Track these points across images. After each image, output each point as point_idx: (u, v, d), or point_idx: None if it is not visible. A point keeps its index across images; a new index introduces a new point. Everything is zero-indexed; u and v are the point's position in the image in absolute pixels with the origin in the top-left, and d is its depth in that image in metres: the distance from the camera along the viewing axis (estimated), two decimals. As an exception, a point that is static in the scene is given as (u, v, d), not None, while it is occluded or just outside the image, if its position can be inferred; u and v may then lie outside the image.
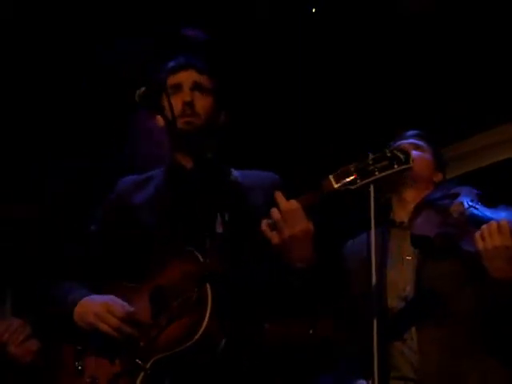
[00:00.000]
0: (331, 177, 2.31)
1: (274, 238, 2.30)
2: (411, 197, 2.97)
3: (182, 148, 2.63)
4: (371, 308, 2.67)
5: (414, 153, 2.98)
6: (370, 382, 2.66)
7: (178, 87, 2.62)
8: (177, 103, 2.56)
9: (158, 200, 2.62)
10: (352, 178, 2.29)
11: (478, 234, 2.52)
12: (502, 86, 4.48)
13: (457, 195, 2.74)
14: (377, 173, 2.29)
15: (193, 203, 2.53)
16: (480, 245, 2.52)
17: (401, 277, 2.83)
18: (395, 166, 2.29)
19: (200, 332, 2.24)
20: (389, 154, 2.30)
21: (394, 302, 2.80)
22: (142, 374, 2.31)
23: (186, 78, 2.63)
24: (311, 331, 4.06)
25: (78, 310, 2.48)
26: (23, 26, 4.34)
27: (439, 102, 4.68)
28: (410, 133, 3.14)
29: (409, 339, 2.73)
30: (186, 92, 2.60)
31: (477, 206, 2.68)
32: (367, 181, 2.29)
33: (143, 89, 2.49)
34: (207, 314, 2.26)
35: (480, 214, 2.65)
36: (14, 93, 4.58)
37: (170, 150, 2.69)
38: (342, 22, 4.47)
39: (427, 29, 4.34)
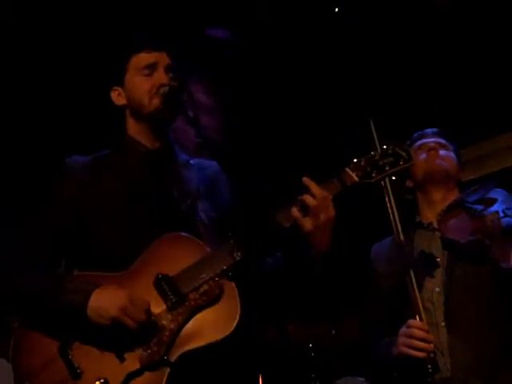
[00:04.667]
0: (348, 169, 2.33)
1: (307, 224, 2.27)
2: (439, 197, 2.95)
3: (150, 129, 2.54)
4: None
5: (442, 152, 2.97)
6: None
7: (152, 67, 2.52)
8: (147, 83, 2.49)
9: (124, 182, 2.50)
10: (367, 171, 2.33)
11: None
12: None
13: (493, 201, 2.70)
14: (387, 168, 2.34)
15: (165, 186, 2.47)
16: None
17: (430, 279, 2.79)
18: (400, 163, 2.35)
19: (236, 321, 2.20)
20: (390, 151, 2.36)
21: (422, 303, 2.73)
22: (167, 369, 2.20)
23: (162, 59, 2.53)
24: (333, 332, 4.04)
25: (93, 303, 2.26)
26: (23, 26, 4.28)
27: (464, 102, 4.67)
28: (431, 130, 3.10)
29: (438, 343, 2.69)
30: (162, 74, 2.51)
31: None
32: (383, 175, 2.34)
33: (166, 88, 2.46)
34: (239, 304, 2.22)
35: None
36: (14, 93, 4.53)
37: (126, 129, 2.60)
38: (359, 21, 4.43)
39: (443, 27, 4.32)
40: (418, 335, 2.59)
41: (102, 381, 2.23)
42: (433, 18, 4.35)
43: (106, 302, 2.26)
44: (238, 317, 2.20)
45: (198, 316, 2.25)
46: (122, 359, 2.25)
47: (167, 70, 2.52)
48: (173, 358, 2.21)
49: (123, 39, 2.66)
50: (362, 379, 4.02)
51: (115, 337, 2.26)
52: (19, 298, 2.41)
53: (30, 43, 4.38)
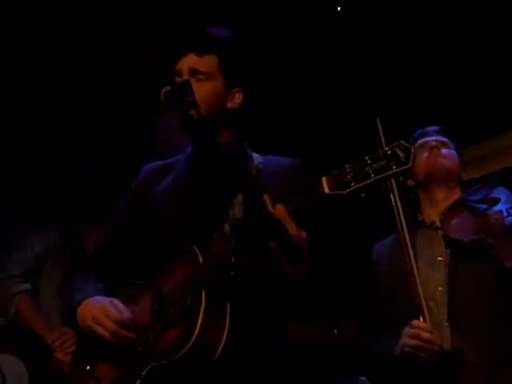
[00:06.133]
0: (324, 179, 2.11)
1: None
2: (442, 196, 2.94)
3: (186, 135, 2.51)
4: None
5: (444, 151, 2.97)
6: None
7: (178, 75, 2.49)
8: None
9: (173, 191, 2.51)
10: (346, 180, 2.07)
11: None
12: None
13: (497, 201, 2.70)
14: (372, 175, 2.05)
15: (203, 196, 2.43)
16: None
17: (432, 277, 2.79)
18: (393, 168, 2.04)
19: (191, 342, 2.12)
20: (389, 152, 2.06)
21: (425, 303, 2.74)
22: (138, 381, 2.22)
23: (184, 64, 2.48)
24: (336, 332, 4.04)
25: (79, 311, 2.42)
26: (23, 26, 4.28)
27: (466, 102, 4.68)
28: (433, 128, 3.10)
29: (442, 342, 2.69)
30: (183, 78, 2.45)
31: None
32: (360, 185, 2.05)
33: (168, 88, 2.40)
34: (199, 323, 2.13)
35: None
36: (14, 93, 4.52)
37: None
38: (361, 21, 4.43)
39: (444, 26, 4.33)
40: (421, 336, 2.59)
41: (93, 382, 2.35)
42: (433, 18, 4.36)
43: (85, 311, 2.40)
44: (195, 336, 2.12)
45: (169, 331, 2.23)
46: (116, 366, 2.34)
47: (190, 73, 2.46)
48: (143, 371, 2.21)
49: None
50: (364, 379, 4.04)
51: (111, 345, 2.33)
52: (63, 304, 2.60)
53: (30, 43, 4.38)
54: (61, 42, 4.41)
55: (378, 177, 2.05)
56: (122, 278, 2.51)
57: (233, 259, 2.21)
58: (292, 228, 2.12)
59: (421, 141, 3.02)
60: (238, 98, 2.52)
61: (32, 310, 3.74)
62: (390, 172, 2.04)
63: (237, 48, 2.74)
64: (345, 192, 2.07)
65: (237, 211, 2.32)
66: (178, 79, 2.48)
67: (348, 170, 2.08)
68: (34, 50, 4.42)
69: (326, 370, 4.18)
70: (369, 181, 2.05)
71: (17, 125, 4.65)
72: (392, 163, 2.04)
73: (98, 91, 4.63)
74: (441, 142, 3.01)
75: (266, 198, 2.17)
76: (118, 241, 2.57)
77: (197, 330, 2.12)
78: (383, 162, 2.05)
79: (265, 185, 2.37)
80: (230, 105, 2.50)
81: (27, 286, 3.78)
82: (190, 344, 2.12)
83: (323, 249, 2.36)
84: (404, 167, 2.03)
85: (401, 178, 2.80)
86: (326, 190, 2.09)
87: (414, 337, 2.60)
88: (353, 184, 2.06)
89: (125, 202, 2.62)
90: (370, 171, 2.05)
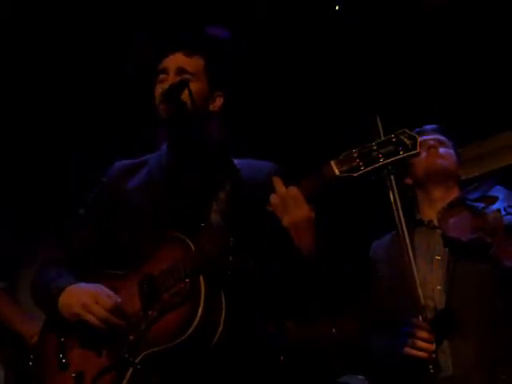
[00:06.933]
0: (333, 162, 2.14)
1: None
2: (439, 195, 2.94)
3: (167, 133, 2.54)
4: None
5: (442, 150, 2.97)
6: None
7: (163, 72, 2.50)
8: (158, 88, 2.48)
9: (150, 185, 2.52)
10: (355, 164, 2.12)
11: None
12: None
13: (495, 199, 2.69)
14: (382, 159, 2.12)
15: (186, 189, 2.44)
16: None
17: (430, 276, 2.79)
18: (401, 153, 2.12)
19: (193, 327, 2.12)
20: (394, 139, 2.14)
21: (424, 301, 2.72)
22: (130, 369, 2.20)
23: (171, 62, 2.49)
24: (334, 331, 4.04)
25: (62, 299, 2.36)
26: (23, 26, 4.29)
27: (464, 101, 4.68)
28: (430, 127, 3.09)
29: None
30: (172, 77, 2.47)
31: None
32: (371, 168, 2.12)
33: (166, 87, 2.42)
34: (200, 308, 2.14)
35: None
36: (14, 93, 4.53)
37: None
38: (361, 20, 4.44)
39: (443, 26, 4.34)
40: (420, 335, 2.59)
41: (74, 375, 2.31)
42: (433, 18, 4.37)
43: (71, 298, 2.34)
44: (196, 321, 2.13)
45: (166, 317, 2.22)
46: (100, 354, 2.30)
47: (178, 71, 2.47)
48: (136, 359, 2.20)
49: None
50: (361, 377, 4.04)
51: (97, 332, 2.30)
52: (34, 291, 2.54)
53: (30, 43, 4.39)
54: (61, 42, 4.42)
55: (387, 161, 2.12)
56: (94, 269, 2.48)
57: (230, 258, 2.23)
58: (304, 208, 2.16)
59: (419, 139, 3.01)
60: (219, 101, 2.56)
61: (8, 306, 3.73)
62: (399, 156, 2.13)
63: (224, 53, 2.76)
64: (355, 175, 2.13)
65: (222, 205, 2.37)
66: (162, 76, 2.50)
67: (355, 154, 2.14)
68: (34, 50, 4.43)
69: (326, 370, 4.18)
70: (378, 164, 2.13)
71: (17, 125, 4.66)
72: (400, 148, 2.13)
73: (98, 91, 4.64)
74: (439, 140, 3.01)
75: (276, 179, 2.21)
76: (89, 234, 2.55)
77: (199, 313, 2.13)
78: (391, 148, 2.14)
79: (248, 182, 2.42)
80: (211, 107, 2.54)
81: (2, 284, 3.77)
82: (193, 327, 2.12)
83: (329, 234, 2.38)
84: (412, 152, 2.13)
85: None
86: (337, 173, 2.14)
87: (412, 335, 2.60)
88: (363, 168, 2.12)
89: (94, 196, 2.62)
90: (379, 155, 2.12)
